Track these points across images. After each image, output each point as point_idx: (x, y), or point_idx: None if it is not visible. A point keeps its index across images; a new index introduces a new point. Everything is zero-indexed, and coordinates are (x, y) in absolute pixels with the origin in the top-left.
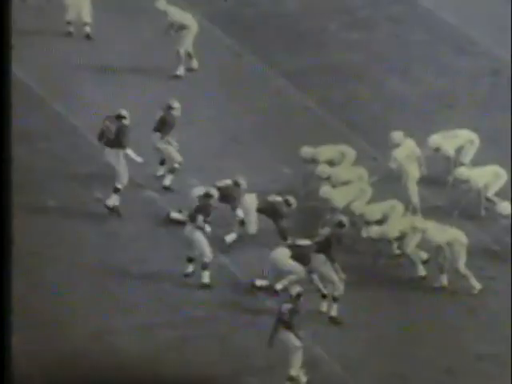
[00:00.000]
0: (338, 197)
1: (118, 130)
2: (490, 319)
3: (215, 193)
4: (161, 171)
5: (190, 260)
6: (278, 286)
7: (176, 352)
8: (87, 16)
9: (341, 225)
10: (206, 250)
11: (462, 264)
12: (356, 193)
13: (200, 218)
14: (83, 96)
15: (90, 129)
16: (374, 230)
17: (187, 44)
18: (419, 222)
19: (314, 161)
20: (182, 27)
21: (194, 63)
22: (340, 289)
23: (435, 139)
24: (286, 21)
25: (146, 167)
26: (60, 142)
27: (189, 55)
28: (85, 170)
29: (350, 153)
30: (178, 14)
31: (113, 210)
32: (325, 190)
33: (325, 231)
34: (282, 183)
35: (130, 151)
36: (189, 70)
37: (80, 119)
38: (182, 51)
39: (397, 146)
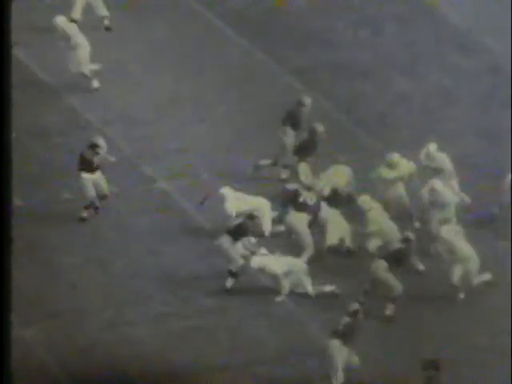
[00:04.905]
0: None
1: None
2: (490, 312)
3: (255, 215)
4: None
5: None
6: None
7: (188, 342)
8: (104, 10)
9: (408, 240)
10: (237, 259)
11: (456, 277)
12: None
13: (248, 240)
14: (97, 92)
15: (103, 123)
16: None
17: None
18: None
19: None
20: (74, 47)
21: (95, 83)
22: (398, 290)
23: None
24: (295, 20)
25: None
26: (75, 136)
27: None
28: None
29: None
30: (74, 30)
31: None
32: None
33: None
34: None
35: (84, 174)
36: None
37: (94, 114)
38: (85, 71)
39: (432, 159)
